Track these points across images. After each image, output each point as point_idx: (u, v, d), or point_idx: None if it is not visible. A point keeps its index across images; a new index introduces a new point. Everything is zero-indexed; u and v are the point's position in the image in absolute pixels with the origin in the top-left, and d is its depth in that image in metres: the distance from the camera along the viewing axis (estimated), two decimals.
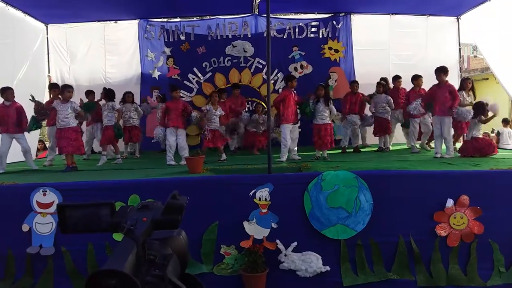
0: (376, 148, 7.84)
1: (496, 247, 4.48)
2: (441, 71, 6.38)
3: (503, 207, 4.45)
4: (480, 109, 6.36)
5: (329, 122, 6.63)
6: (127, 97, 7.72)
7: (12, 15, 7.60)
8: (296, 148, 6.67)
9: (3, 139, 6.12)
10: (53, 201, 4.36)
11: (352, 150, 7.80)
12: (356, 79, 8.63)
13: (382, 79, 8.07)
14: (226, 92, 8.30)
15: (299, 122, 7.15)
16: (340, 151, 7.70)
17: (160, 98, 8.34)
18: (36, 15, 8.31)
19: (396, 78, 7.97)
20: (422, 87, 7.36)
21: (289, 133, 6.44)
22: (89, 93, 7.71)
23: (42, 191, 4.39)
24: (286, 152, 6.39)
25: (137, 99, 8.91)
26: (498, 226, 4.42)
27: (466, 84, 6.92)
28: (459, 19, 9.12)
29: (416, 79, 7.40)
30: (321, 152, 6.63)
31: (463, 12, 8.75)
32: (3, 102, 6.17)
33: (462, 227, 4.45)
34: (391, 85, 8.10)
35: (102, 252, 4.33)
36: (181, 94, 8.10)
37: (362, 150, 7.91)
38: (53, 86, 7.31)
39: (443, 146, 6.41)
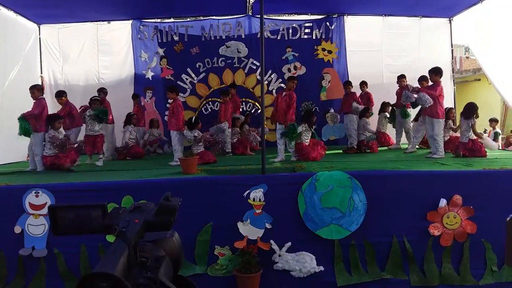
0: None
1: (488, 246, 4.52)
2: (433, 72, 6.43)
3: (495, 206, 4.48)
4: (472, 110, 6.40)
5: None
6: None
7: (4, 15, 7.51)
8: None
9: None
10: (46, 203, 4.32)
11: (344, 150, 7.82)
12: (349, 80, 8.65)
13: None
14: (228, 95, 8.19)
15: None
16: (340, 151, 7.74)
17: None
18: (28, 15, 8.22)
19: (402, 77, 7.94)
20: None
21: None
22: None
23: (35, 193, 4.36)
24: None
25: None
26: (490, 226, 4.44)
27: (451, 113, 7.44)
28: (452, 21, 9.18)
29: (421, 80, 7.17)
30: None
31: (456, 13, 8.80)
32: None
33: (455, 226, 4.49)
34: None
35: (95, 254, 4.30)
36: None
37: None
38: (60, 94, 7.03)
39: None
